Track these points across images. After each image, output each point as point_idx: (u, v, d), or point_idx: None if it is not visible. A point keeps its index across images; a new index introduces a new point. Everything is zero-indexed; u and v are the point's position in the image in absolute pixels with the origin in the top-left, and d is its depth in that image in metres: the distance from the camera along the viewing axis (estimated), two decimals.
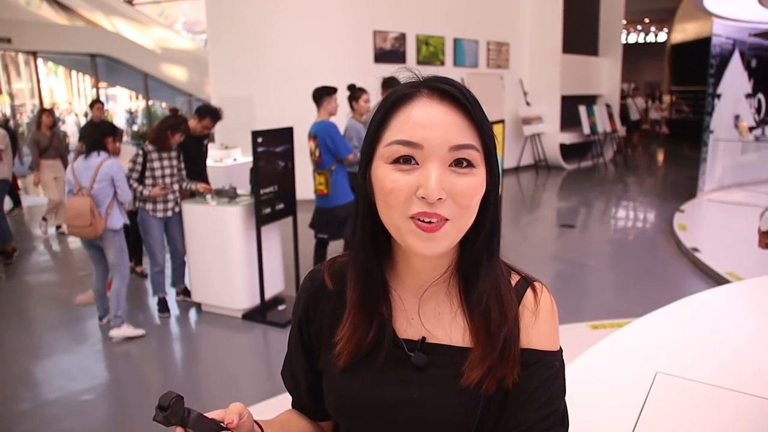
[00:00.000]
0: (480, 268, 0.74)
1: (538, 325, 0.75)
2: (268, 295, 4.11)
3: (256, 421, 0.75)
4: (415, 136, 0.67)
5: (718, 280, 4.60)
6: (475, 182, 0.68)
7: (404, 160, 0.67)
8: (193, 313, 4.26)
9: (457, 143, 0.67)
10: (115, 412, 3.02)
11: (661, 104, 17.55)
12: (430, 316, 0.77)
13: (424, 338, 0.76)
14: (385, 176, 0.68)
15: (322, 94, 4.24)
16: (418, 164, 0.67)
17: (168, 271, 4.47)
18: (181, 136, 4.07)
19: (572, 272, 5.20)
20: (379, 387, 0.75)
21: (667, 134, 17.09)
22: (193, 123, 4.52)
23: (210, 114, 4.60)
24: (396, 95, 0.71)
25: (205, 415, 0.66)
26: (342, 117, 4.60)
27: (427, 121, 0.67)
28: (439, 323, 0.76)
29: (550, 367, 0.74)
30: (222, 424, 0.67)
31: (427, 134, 0.66)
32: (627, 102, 13.33)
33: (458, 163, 0.67)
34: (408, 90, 0.70)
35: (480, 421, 0.73)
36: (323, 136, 4.15)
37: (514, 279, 0.78)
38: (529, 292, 0.77)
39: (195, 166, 4.61)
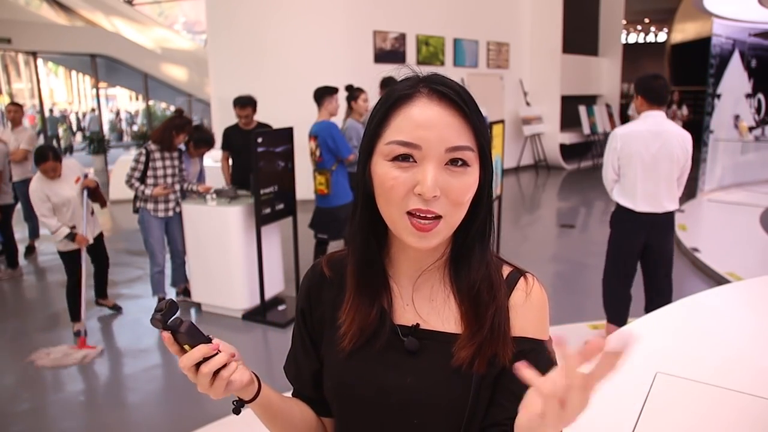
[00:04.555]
0: (473, 256, 0.77)
1: (531, 313, 0.77)
2: (268, 295, 4.11)
3: (257, 376, 0.78)
4: (414, 137, 0.69)
5: (718, 280, 4.60)
6: (468, 181, 0.71)
7: (403, 158, 0.70)
8: (193, 314, 4.26)
9: (454, 145, 0.69)
10: (115, 413, 3.02)
11: (680, 110, 12.09)
12: (424, 302, 0.80)
13: (417, 324, 0.78)
14: (385, 173, 0.71)
15: (323, 94, 4.24)
16: (416, 162, 0.70)
17: (168, 271, 4.47)
18: (185, 137, 4.08)
19: (572, 272, 5.20)
20: (375, 371, 0.78)
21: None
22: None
23: (239, 103, 4.77)
24: (396, 95, 0.73)
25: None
26: (341, 117, 4.60)
27: (425, 123, 0.69)
28: (432, 309, 0.79)
29: (544, 355, 0.76)
30: (211, 340, 0.74)
31: (425, 135, 0.69)
32: None
33: (453, 162, 0.70)
34: (408, 90, 0.72)
35: (473, 404, 0.74)
36: (324, 136, 4.15)
37: (506, 270, 0.81)
38: (521, 281, 0.79)
39: (238, 159, 4.82)
